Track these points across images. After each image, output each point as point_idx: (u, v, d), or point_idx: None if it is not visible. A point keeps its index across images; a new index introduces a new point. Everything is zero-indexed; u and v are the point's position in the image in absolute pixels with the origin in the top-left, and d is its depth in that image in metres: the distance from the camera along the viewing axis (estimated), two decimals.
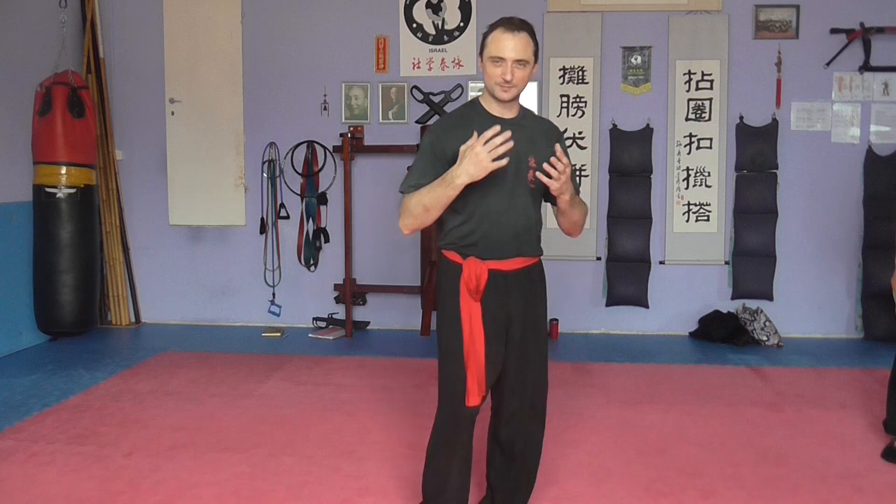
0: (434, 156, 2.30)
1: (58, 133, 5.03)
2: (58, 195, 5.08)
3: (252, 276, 5.79)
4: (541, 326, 2.44)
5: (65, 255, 5.11)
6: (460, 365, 2.31)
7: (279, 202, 5.71)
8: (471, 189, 2.23)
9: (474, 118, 2.31)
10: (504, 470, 2.53)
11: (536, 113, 2.52)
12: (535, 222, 2.36)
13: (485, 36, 2.29)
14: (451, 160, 2.24)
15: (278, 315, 5.79)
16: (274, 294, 5.77)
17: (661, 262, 5.51)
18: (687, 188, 5.46)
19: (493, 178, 2.22)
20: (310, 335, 5.50)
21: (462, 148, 2.15)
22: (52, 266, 5.10)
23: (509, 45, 2.21)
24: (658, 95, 5.45)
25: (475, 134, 2.14)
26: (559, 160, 2.19)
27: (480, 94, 2.39)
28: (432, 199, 2.23)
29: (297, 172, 5.63)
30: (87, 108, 5.19)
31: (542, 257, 2.46)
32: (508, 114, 2.33)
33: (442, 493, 2.43)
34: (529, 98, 5.39)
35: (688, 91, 5.42)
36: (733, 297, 5.44)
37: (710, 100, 5.41)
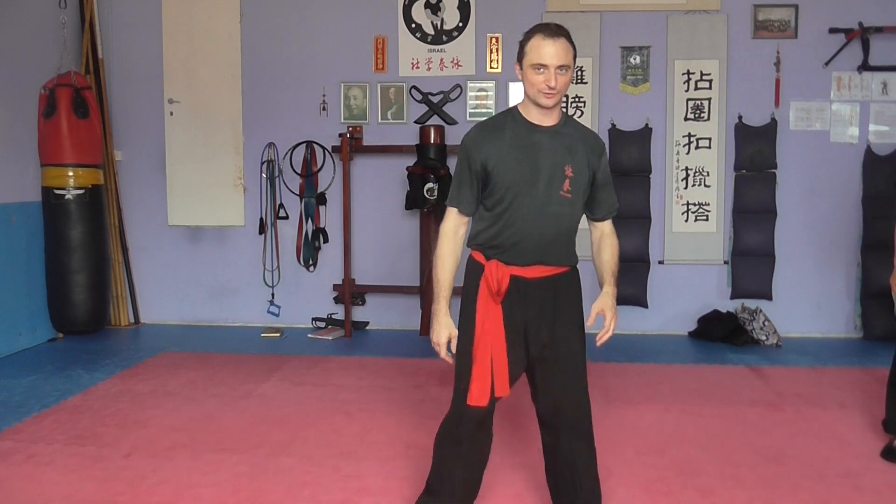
0: (469, 168, 2.32)
1: (63, 135, 5.06)
2: (67, 196, 5.11)
3: (251, 276, 5.78)
4: (570, 338, 2.36)
5: (77, 256, 5.19)
6: (469, 364, 2.31)
7: (278, 202, 5.70)
8: (503, 194, 2.26)
9: (509, 126, 2.31)
10: (556, 488, 2.47)
11: (578, 121, 2.49)
12: (566, 232, 2.32)
13: (522, 43, 2.27)
14: (482, 171, 2.28)
15: (277, 315, 5.79)
16: (273, 294, 5.76)
17: (661, 262, 5.51)
18: (686, 188, 5.46)
19: (525, 184, 2.24)
20: (309, 335, 5.50)
21: (445, 338, 2.34)
22: (65, 266, 5.17)
23: (551, 51, 2.21)
24: (657, 95, 5.45)
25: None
26: (605, 332, 2.36)
27: (521, 101, 2.35)
28: (436, 277, 2.37)
29: (296, 173, 5.63)
30: (91, 108, 5.20)
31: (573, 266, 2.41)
32: (548, 121, 2.30)
33: (444, 485, 2.44)
34: None
35: (686, 91, 5.42)
36: (732, 297, 5.44)
37: (709, 99, 5.41)
